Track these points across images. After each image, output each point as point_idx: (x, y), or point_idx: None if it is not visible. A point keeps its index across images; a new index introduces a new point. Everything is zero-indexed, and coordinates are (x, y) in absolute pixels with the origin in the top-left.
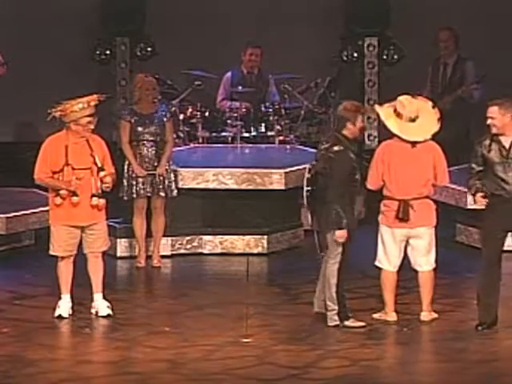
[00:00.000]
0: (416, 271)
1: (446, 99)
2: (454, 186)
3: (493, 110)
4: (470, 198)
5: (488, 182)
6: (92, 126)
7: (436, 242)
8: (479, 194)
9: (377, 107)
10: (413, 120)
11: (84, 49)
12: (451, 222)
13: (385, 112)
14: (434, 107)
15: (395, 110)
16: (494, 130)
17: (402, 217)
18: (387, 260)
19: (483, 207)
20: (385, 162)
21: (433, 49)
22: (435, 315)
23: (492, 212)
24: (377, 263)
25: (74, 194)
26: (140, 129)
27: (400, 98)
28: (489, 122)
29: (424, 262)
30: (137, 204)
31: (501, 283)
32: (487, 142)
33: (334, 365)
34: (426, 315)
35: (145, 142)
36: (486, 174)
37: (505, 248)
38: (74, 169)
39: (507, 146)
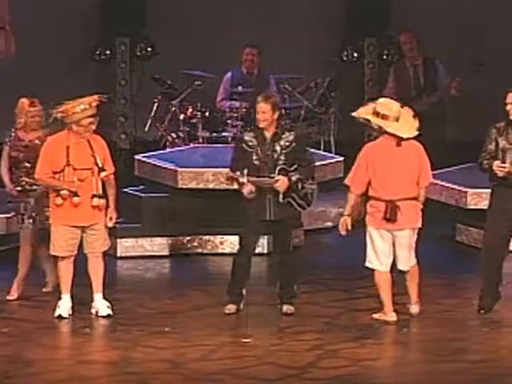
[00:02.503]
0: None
1: (425, 101)
2: (454, 186)
3: None
4: (469, 198)
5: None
6: (93, 127)
7: (436, 242)
8: (496, 162)
9: (356, 114)
10: (397, 119)
11: (84, 49)
12: (451, 222)
13: (368, 115)
14: (414, 116)
15: (378, 114)
16: None
17: (390, 218)
18: (378, 260)
19: (504, 174)
20: (369, 164)
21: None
22: (421, 307)
23: (498, 197)
24: (368, 264)
25: (76, 194)
26: (15, 154)
27: (380, 100)
28: (510, 107)
29: (407, 261)
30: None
31: (503, 281)
32: (502, 125)
33: (334, 365)
34: (415, 308)
35: (21, 167)
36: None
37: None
38: (75, 169)
39: None
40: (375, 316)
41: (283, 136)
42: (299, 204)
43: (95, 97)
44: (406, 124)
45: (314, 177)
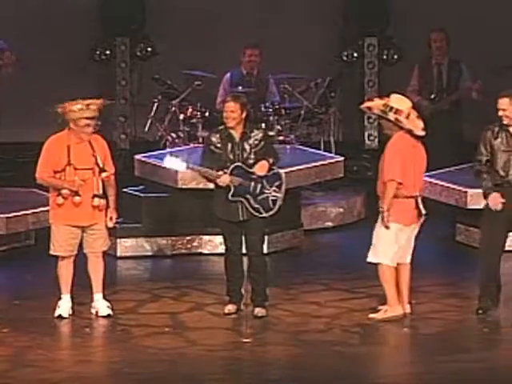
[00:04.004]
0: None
1: (446, 99)
2: (454, 186)
3: (504, 102)
4: (469, 198)
5: (492, 172)
6: (89, 130)
7: (436, 242)
8: (493, 194)
9: (370, 105)
10: (407, 117)
11: (84, 49)
12: (451, 222)
13: (381, 108)
14: (418, 117)
15: (392, 108)
16: (505, 121)
17: (426, 213)
18: (396, 255)
19: (499, 208)
20: (402, 159)
21: (427, 50)
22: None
23: None
24: (383, 260)
25: (77, 193)
26: None
27: (394, 95)
28: (500, 113)
29: (410, 254)
30: None
31: (503, 279)
32: (496, 128)
33: (334, 365)
34: (409, 307)
35: None
36: (491, 162)
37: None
38: (75, 169)
39: None
40: (377, 316)
41: (252, 134)
42: (254, 207)
43: (97, 100)
44: (413, 122)
45: (280, 185)
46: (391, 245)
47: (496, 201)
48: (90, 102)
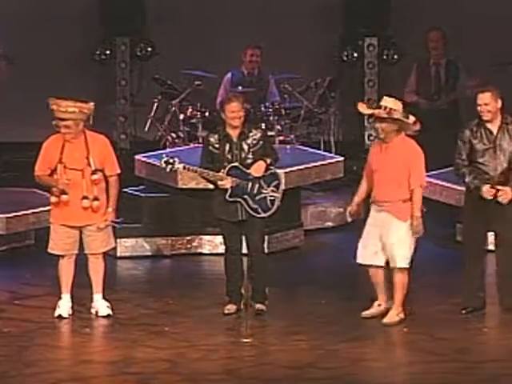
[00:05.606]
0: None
1: (444, 99)
2: (454, 186)
3: (486, 96)
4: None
5: (474, 170)
6: (61, 130)
7: (436, 242)
8: (486, 186)
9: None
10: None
11: (84, 49)
12: (451, 222)
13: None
14: None
15: (390, 109)
16: (486, 117)
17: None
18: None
19: (490, 197)
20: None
21: (425, 50)
22: None
23: (472, 200)
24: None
25: (64, 192)
26: None
27: (386, 98)
28: (482, 108)
29: None
30: None
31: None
32: (474, 127)
33: (334, 365)
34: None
35: None
36: (472, 161)
37: None
38: (66, 168)
39: (495, 131)
40: (391, 320)
41: (250, 134)
42: (252, 207)
43: (71, 102)
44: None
45: (278, 185)
46: (412, 247)
47: (491, 192)
48: (62, 104)
